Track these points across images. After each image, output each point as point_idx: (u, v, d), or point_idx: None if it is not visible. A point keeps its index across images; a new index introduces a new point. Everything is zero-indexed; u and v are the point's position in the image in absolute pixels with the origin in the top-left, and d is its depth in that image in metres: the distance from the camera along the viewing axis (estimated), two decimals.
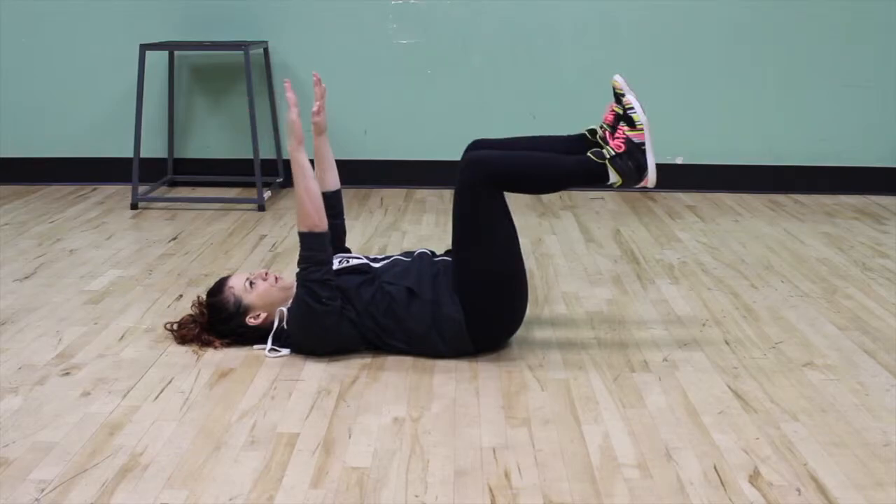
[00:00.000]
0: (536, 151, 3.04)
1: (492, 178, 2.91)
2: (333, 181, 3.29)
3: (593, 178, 2.95)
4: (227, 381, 2.83)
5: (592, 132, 3.13)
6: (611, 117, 3.12)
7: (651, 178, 2.93)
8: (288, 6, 5.39)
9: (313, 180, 2.92)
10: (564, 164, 2.99)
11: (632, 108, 2.94)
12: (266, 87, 5.43)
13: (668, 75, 5.35)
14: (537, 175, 3.01)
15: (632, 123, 2.93)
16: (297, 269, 2.92)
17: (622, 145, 2.92)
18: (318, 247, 2.90)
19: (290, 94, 2.97)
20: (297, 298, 2.93)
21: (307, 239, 2.91)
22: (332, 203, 3.24)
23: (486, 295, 2.92)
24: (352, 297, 2.95)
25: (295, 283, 3.04)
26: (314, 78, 3.19)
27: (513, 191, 3.01)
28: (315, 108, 3.18)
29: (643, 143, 2.92)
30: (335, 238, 3.28)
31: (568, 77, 5.37)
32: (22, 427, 2.52)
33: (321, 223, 2.91)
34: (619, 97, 3.10)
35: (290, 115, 2.94)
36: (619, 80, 3.11)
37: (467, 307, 2.91)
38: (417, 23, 5.38)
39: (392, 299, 2.93)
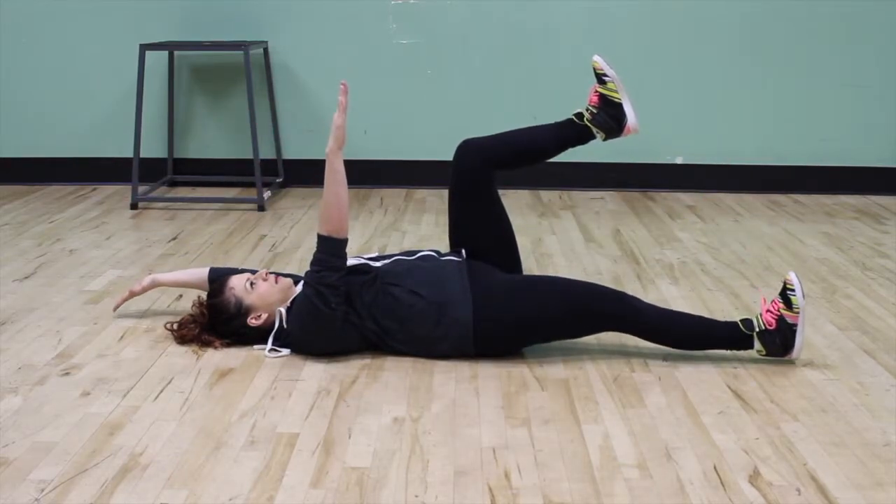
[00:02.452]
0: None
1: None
2: None
3: (735, 345, 2.94)
4: (227, 381, 2.83)
5: (580, 115, 3.16)
6: (595, 98, 3.13)
7: (795, 355, 2.92)
8: (288, 6, 5.39)
9: (345, 187, 2.89)
10: (714, 333, 2.97)
11: (792, 291, 2.88)
12: (266, 87, 5.43)
13: (669, 75, 5.35)
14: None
15: (789, 304, 2.89)
16: (310, 270, 2.91)
17: (773, 322, 2.89)
18: (336, 252, 2.89)
19: (342, 98, 2.89)
20: (305, 298, 2.91)
21: (326, 243, 2.89)
22: None
23: (525, 309, 2.93)
24: (353, 297, 2.94)
25: (292, 283, 3.05)
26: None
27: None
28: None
29: (795, 325, 2.89)
30: None
31: (568, 77, 5.35)
32: (22, 427, 2.52)
33: (343, 230, 2.89)
34: (600, 77, 3.12)
35: (338, 118, 2.87)
36: (598, 61, 3.12)
37: (486, 313, 2.90)
38: (417, 23, 5.38)
39: (394, 300, 2.93)
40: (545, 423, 2.56)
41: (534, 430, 2.51)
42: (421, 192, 5.39)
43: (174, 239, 4.42)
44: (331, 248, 2.89)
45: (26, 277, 3.80)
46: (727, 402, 2.68)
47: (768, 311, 2.92)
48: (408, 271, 2.99)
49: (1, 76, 5.48)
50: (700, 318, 3.05)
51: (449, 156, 3.17)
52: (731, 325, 2.95)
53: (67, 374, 2.87)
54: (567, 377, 2.86)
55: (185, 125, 5.56)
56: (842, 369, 2.93)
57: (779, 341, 2.89)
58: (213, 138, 5.57)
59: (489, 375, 2.86)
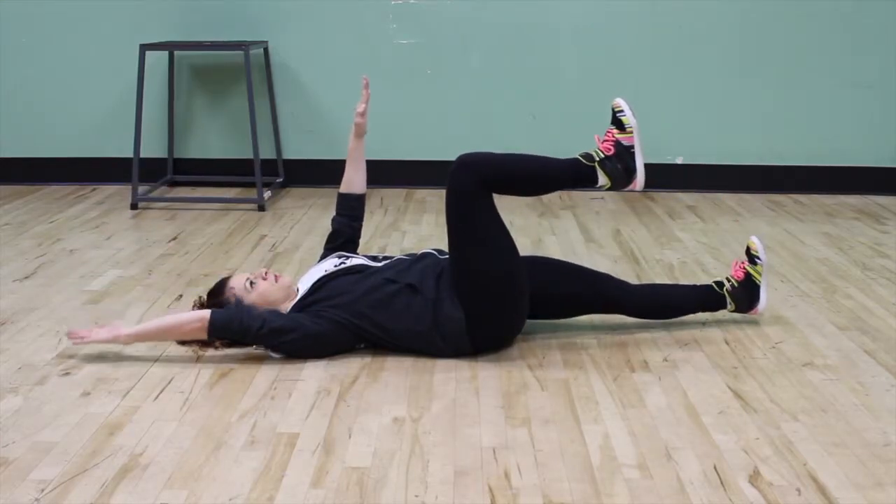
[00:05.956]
0: (527, 154, 3.04)
1: (482, 180, 2.90)
2: (361, 185, 3.39)
3: (582, 180, 2.95)
4: (227, 381, 2.83)
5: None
6: (741, 274, 3.23)
7: (640, 180, 2.94)
8: (288, 6, 5.39)
9: (166, 330, 2.93)
10: (554, 166, 2.98)
11: (621, 112, 2.94)
12: (266, 87, 5.43)
13: (668, 75, 5.35)
14: (527, 176, 3.00)
15: (621, 126, 2.93)
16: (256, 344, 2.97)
17: (611, 148, 2.92)
18: (232, 327, 2.88)
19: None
20: (280, 348, 2.95)
21: (219, 333, 2.90)
22: (355, 206, 3.37)
23: (483, 297, 2.92)
24: (349, 298, 2.94)
25: (292, 282, 3.09)
26: (363, 81, 3.26)
27: (502, 193, 2.98)
28: (360, 109, 3.28)
29: (632, 147, 2.92)
30: (348, 241, 3.33)
31: (568, 77, 5.37)
32: (22, 427, 2.52)
33: (203, 325, 2.88)
34: (753, 259, 3.20)
35: None
36: (754, 243, 3.20)
37: (466, 308, 2.91)
38: (417, 23, 5.38)
39: (393, 297, 2.93)
40: (545, 423, 2.56)
41: (534, 430, 2.51)
42: (421, 192, 5.39)
43: (174, 239, 4.42)
44: (225, 334, 2.90)
45: (26, 277, 3.80)
46: (727, 402, 2.69)
47: (604, 140, 2.94)
48: (408, 269, 3.00)
49: (1, 76, 5.48)
50: (541, 158, 2.99)
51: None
52: (573, 160, 2.93)
53: (67, 374, 2.87)
54: (567, 377, 2.86)
55: (185, 125, 5.56)
56: (842, 369, 2.93)
57: (620, 167, 2.91)
58: (213, 138, 5.57)
59: (489, 375, 2.86)
